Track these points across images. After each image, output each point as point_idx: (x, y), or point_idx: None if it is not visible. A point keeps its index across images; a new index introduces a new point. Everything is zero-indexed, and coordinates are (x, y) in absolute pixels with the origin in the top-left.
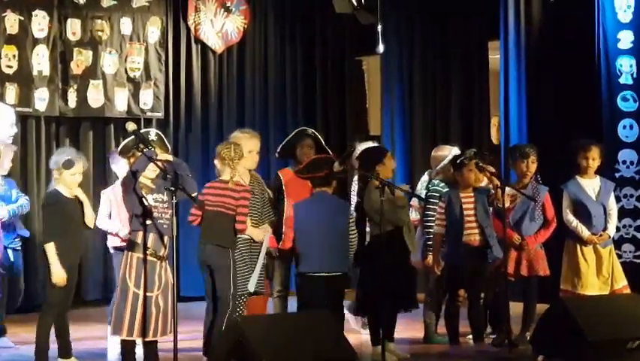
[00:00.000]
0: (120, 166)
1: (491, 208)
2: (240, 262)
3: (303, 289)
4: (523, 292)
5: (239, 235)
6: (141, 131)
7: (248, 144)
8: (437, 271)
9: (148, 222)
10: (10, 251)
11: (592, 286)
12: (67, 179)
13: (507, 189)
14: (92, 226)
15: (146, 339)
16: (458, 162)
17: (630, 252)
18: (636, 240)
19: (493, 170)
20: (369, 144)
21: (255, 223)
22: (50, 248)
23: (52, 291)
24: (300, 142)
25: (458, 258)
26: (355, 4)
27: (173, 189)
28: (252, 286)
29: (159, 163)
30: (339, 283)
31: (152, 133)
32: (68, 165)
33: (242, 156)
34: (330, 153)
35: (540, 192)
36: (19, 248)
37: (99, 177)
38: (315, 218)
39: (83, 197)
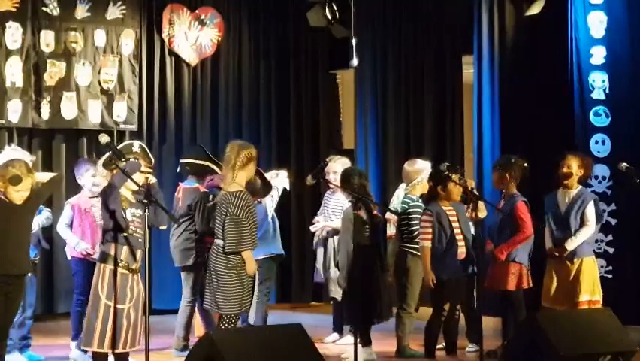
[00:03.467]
0: (85, 178)
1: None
2: (239, 281)
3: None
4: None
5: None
6: (125, 143)
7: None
8: (431, 284)
9: (122, 234)
10: None
11: (554, 300)
12: (13, 195)
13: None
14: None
15: (116, 351)
16: (443, 175)
17: (602, 267)
18: (608, 255)
19: (471, 184)
20: (344, 161)
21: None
22: None
23: None
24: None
25: (446, 271)
26: (329, 17)
27: (145, 201)
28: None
29: (134, 179)
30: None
31: (136, 145)
32: (15, 181)
33: None
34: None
35: (514, 202)
36: (37, 262)
37: (72, 189)
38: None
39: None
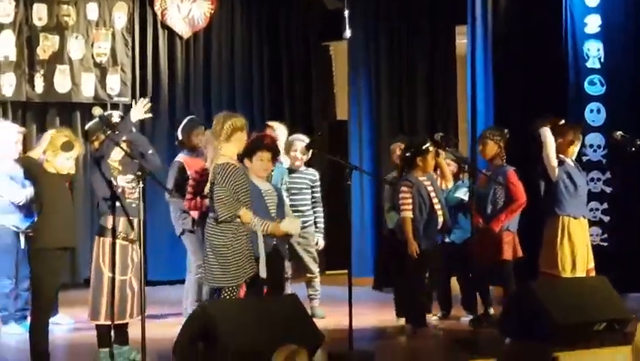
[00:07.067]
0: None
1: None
2: (237, 252)
3: None
4: (498, 276)
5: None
6: (104, 113)
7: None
8: (415, 254)
9: (118, 204)
10: (22, 237)
11: (581, 269)
12: (65, 163)
13: None
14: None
15: (124, 321)
16: (423, 148)
17: (597, 235)
18: (603, 223)
19: (462, 155)
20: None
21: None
22: None
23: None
24: (195, 130)
25: (426, 241)
26: None
27: (140, 173)
28: (263, 272)
29: (125, 148)
30: None
31: (115, 115)
32: (68, 147)
33: None
34: None
35: (505, 171)
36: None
37: None
38: None
39: None
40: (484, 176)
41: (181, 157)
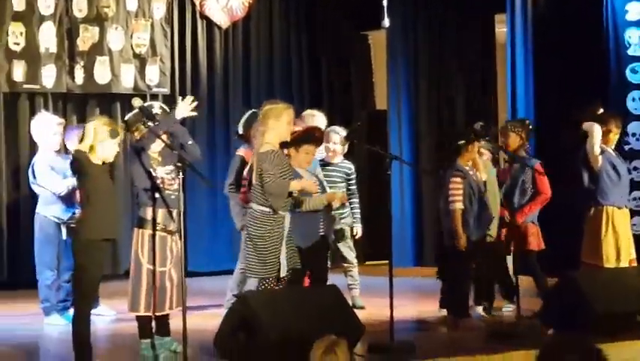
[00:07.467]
0: (73, 142)
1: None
2: (274, 243)
3: None
4: (524, 267)
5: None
6: (145, 104)
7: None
8: (463, 248)
9: (158, 196)
10: (64, 228)
11: (625, 260)
12: (110, 151)
13: None
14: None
15: (163, 313)
16: (473, 136)
17: (639, 225)
18: None
19: (497, 145)
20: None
21: None
22: None
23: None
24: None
25: (476, 232)
26: None
27: (179, 164)
28: (283, 271)
29: (165, 139)
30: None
31: (156, 106)
32: (115, 134)
33: None
34: None
35: (533, 163)
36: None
37: None
38: None
39: None
40: (514, 165)
41: (242, 151)
